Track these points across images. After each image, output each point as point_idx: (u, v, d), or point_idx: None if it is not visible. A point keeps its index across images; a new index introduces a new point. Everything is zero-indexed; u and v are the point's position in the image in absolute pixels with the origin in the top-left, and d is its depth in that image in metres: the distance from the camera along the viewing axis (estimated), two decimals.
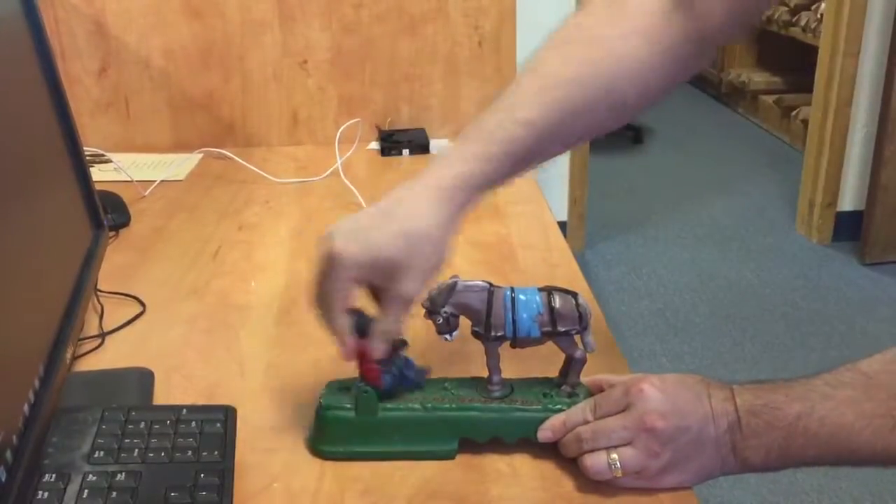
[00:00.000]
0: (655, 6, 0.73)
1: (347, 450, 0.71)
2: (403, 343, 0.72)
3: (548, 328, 0.70)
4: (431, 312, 0.70)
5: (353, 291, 0.69)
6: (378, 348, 0.69)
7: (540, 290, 0.71)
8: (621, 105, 0.74)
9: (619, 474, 0.65)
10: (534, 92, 0.72)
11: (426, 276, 0.69)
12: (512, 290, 0.71)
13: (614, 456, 0.65)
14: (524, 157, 0.72)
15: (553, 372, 0.75)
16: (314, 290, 0.71)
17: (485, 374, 0.73)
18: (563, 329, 0.70)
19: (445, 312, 0.70)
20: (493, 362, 0.72)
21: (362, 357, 0.70)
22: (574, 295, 0.71)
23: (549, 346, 0.72)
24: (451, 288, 0.69)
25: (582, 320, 0.70)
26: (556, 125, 0.71)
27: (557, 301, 0.70)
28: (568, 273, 1.05)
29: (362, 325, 0.70)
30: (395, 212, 0.69)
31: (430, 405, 0.71)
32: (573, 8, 2.82)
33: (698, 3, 0.72)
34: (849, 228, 3.13)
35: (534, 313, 0.70)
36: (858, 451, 0.61)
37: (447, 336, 0.70)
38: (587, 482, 0.68)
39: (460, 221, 0.71)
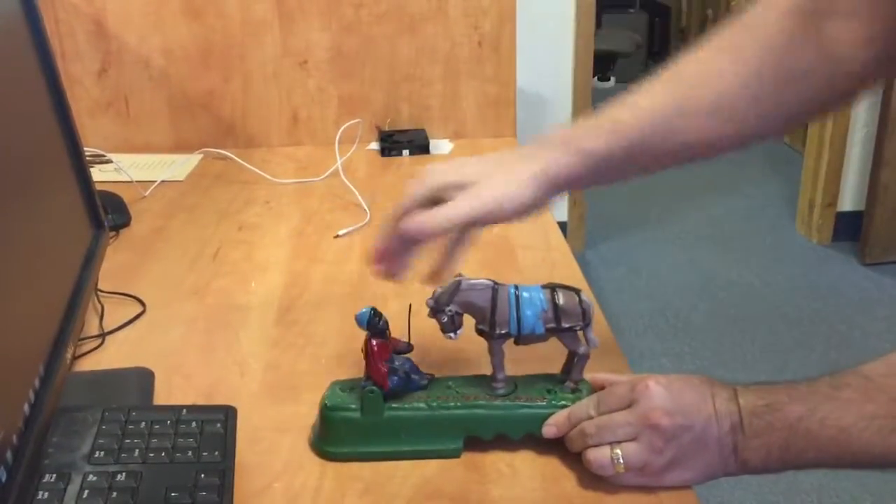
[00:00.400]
0: (779, 25, 0.69)
1: (353, 450, 0.71)
2: (409, 347, 0.72)
3: (552, 325, 0.70)
4: (436, 311, 0.70)
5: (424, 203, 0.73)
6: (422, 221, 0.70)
7: (543, 287, 0.71)
8: (734, 118, 0.71)
9: (622, 469, 0.65)
10: (650, 84, 0.73)
11: (500, 196, 0.70)
12: (516, 287, 0.71)
13: (618, 451, 0.65)
14: (633, 147, 0.71)
15: (555, 369, 0.75)
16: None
17: (488, 372, 0.73)
18: (567, 325, 0.71)
19: (450, 311, 0.70)
20: (497, 360, 0.72)
21: (370, 357, 0.70)
22: (577, 291, 0.71)
23: (550, 343, 0.72)
24: (456, 286, 0.70)
25: (585, 316, 0.71)
26: (664, 118, 0.70)
27: (561, 298, 0.70)
28: (568, 273, 1.05)
29: (377, 324, 0.70)
30: (500, 164, 0.72)
31: (435, 404, 0.71)
32: (573, 8, 2.82)
33: (827, 28, 0.67)
34: (849, 228, 3.13)
35: (538, 310, 0.70)
36: (858, 453, 0.61)
37: (452, 334, 0.71)
38: (588, 482, 0.68)
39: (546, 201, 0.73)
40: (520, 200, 0.70)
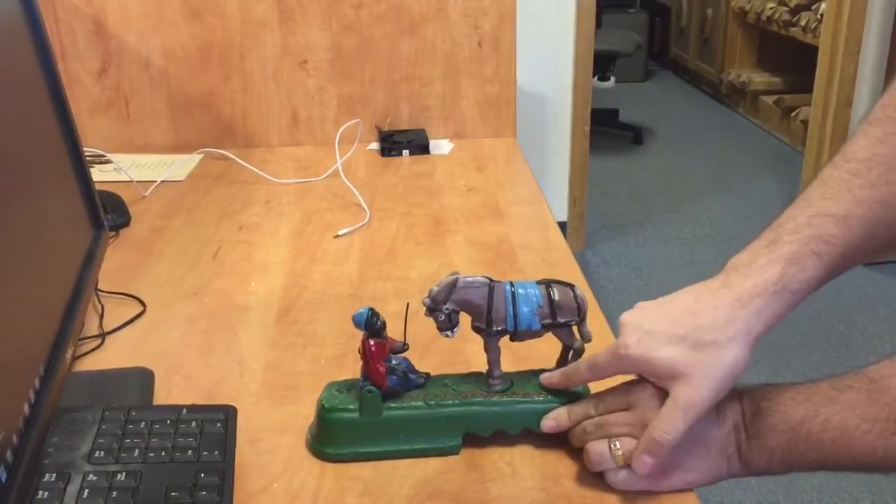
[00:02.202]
0: None
1: (352, 451, 0.71)
2: (405, 346, 0.72)
3: (548, 320, 0.71)
4: (433, 310, 0.70)
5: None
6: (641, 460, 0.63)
7: (538, 283, 0.72)
8: None
9: (621, 461, 0.65)
10: (841, 179, 0.65)
11: (707, 400, 0.62)
12: (511, 284, 0.71)
13: (616, 443, 0.66)
14: (841, 257, 0.63)
15: (549, 364, 0.76)
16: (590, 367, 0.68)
17: (484, 369, 0.73)
18: (563, 320, 0.71)
19: (447, 309, 0.70)
20: (493, 356, 0.72)
21: (368, 358, 0.70)
22: (571, 286, 0.72)
23: (545, 338, 0.72)
24: (452, 285, 0.70)
25: (580, 311, 0.71)
26: (870, 217, 0.63)
27: (556, 293, 0.71)
28: (568, 273, 1.05)
29: (374, 324, 0.70)
30: (703, 344, 0.63)
31: (433, 402, 0.71)
32: (573, 8, 2.82)
33: None
34: None
35: (534, 306, 0.70)
36: (861, 456, 0.61)
37: (448, 333, 0.70)
38: (587, 481, 0.68)
39: (767, 330, 0.65)
40: (729, 387, 0.63)
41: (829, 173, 0.66)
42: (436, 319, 0.70)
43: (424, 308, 0.71)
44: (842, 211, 0.63)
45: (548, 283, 0.72)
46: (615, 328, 0.91)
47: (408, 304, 0.72)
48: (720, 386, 0.62)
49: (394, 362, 0.71)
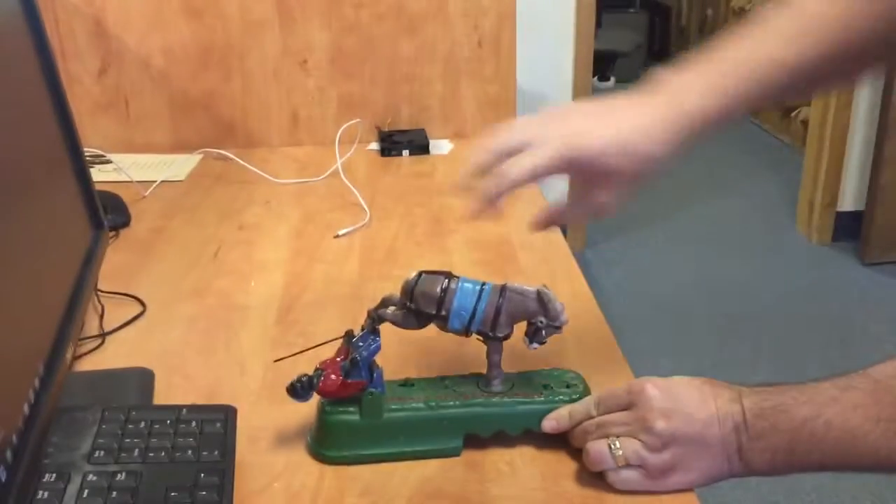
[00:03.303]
0: None
1: (352, 453, 0.71)
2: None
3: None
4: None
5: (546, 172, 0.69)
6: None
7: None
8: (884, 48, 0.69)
9: (621, 461, 0.65)
10: (792, 31, 0.69)
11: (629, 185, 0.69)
12: (468, 281, 0.72)
13: (616, 442, 0.66)
14: (766, 96, 0.70)
15: (548, 364, 0.76)
16: (505, 144, 0.69)
17: (482, 370, 0.74)
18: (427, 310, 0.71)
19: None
20: (495, 358, 0.72)
21: (338, 392, 0.69)
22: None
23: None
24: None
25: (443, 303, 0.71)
26: (810, 68, 0.68)
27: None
28: (568, 273, 1.05)
29: (304, 390, 0.69)
30: (626, 127, 0.68)
31: (433, 403, 0.71)
32: (573, 8, 2.82)
33: None
34: (849, 228, 3.13)
35: (471, 302, 0.70)
36: (864, 456, 0.61)
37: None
38: (587, 481, 0.68)
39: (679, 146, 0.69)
40: (661, 163, 0.68)
41: (778, 22, 0.70)
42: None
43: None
44: (788, 57, 0.68)
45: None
46: (614, 328, 0.91)
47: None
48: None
49: (348, 364, 0.69)
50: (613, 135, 0.68)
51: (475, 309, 0.70)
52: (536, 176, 0.68)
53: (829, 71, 0.70)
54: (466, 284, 0.71)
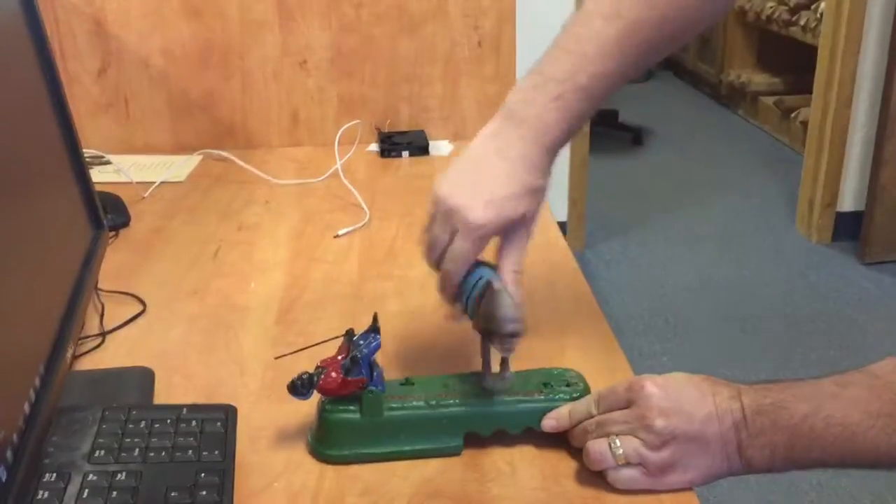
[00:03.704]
0: None
1: (353, 452, 0.71)
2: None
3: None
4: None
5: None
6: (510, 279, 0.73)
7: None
8: (676, 38, 0.76)
9: (621, 460, 0.65)
10: (609, 42, 0.73)
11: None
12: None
13: (616, 441, 0.66)
14: (599, 104, 0.76)
15: (548, 364, 0.76)
16: (438, 250, 0.74)
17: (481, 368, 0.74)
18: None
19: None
20: (489, 357, 0.72)
21: (338, 390, 0.69)
22: (501, 292, 0.70)
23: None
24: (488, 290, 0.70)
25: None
26: (628, 70, 0.74)
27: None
28: (568, 273, 1.05)
29: (305, 388, 0.69)
30: (515, 169, 0.74)
31: (434, 402, 0.71)
32: (573, 8, 2.82)
33: None
34: (849, 228, 3.13)
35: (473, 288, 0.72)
36: (863, 452, 0.61)
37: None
38: (587, 481, 0.68)
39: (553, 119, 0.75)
40: (534, 189, 0.74)
41: (589, 25, 0.75)
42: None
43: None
44: (607, 68, 0.74)
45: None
46: (614, 328, 0.91)
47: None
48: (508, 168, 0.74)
49: (349, 363, 0.69)
50: (494, 209, 0.73)
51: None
52: (469, 263, 0.74)
53: (651, 60, 0.76)
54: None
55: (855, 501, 1.90)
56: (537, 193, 0.75)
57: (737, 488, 1.93)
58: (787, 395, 0.64)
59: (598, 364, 0.83)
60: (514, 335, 0.68)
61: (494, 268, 0.74)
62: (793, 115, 4.02)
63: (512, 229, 0.74)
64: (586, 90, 0.74)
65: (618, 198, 3.60)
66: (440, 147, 1.55)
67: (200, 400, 0.80)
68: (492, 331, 0.69)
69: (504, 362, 0.72)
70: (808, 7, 3.83)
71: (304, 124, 1.57)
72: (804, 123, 3.54)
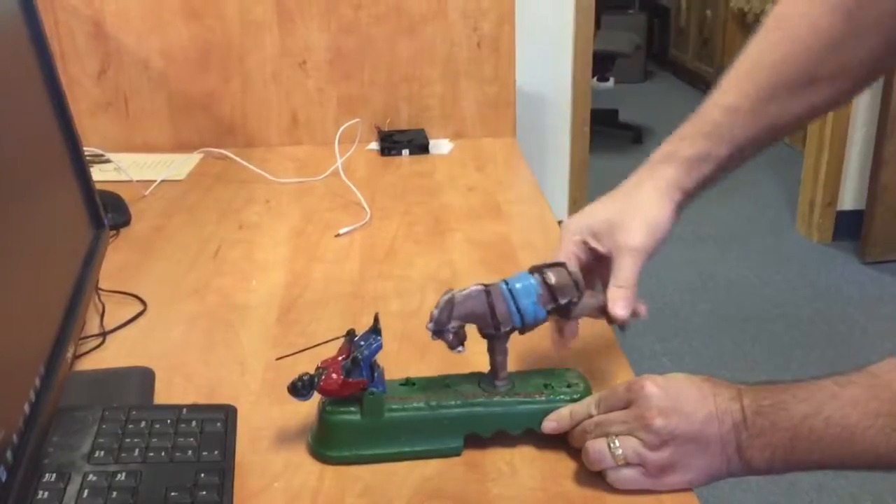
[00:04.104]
0: None
1: (353, 453, 0.70)
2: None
3: (551, 305, 0.71)
4: (439, 332, 0.70)
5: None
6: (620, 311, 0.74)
7: (530, 272, 0.72)
8: (818, 85, 0.75)
9: (621, 460, 0.65)
10: (735, 78, 0.77)
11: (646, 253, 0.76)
12: (506, 282, 0.71)
13: (615, 441, 0.66)
14: (734, 143, 0.76)
15: (548, 364, 0.76)
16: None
17: (484, 369, 0.73)
18: (565, 301, 0.71)
19: (452, 328, 0.70)
20: (500, 358, 0.72)
21: (339, 391, 0.69)
22: (563, 265, 0.72)
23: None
24: (450, 302, 0.69)
25: (579, 286, 0.72)
26: (758, 109, 0.75)
27: (552, 277, 0.71)
28: None
29: (306, 389, 0.69)
30: (632, 206, 0.77)
31: (434, 403, 0.71)
32: (573, 9, 2.82)
33: None
34: (849, 228, 3.13)
35: (534, 297, 0.70)
36: (862, 453, 0.61)
37: (460, 348, 0.71)
38: (587, 481, 0.68)
39: (681, 210, 0.78)
40: (663, 230, 0.76)
41: (730, 72, 0.79)
42: (445, 340, 0.70)
43: (430, 333, 0.70)
44: (734, 102, 0.76)
45: (540, 270, 0.72)
46: (615, 328, 0.91)
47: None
48: (644, 219, 0.75)
49: (349, 364, 0.69)
50: (640, 221, 0.76)
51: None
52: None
53: (788, 108, 0.77)
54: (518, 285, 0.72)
55: (855, 502, 1.90)
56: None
57: (737, 489, 1.93)
58: (787, 396, 0.64)
59: (598, 364, 0.83)
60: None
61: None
62: None
63: None
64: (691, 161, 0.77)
65: None
66: (440, 146, 1.55)
67: (200, 400, 0.80)
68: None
69: (502, 364, 0.72)
70: None
71: (304, 124, 1.57)
72: None
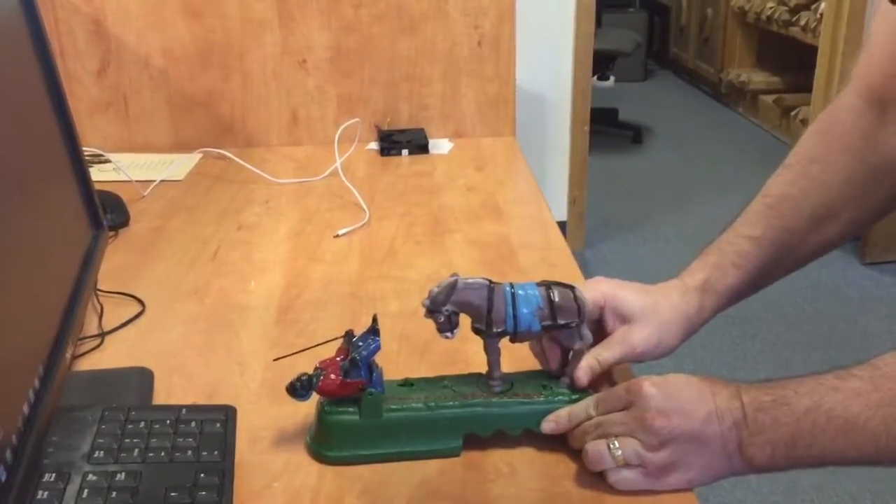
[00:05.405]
0: (859, 125, 0.80)
1: (352, 454, 0.70)
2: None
3: (548, 322, 0.71)
4: (433, 311, 0.70)
5: None
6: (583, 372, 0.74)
7: (538, 284, 0.72)
8: (837, 221, 0.81)
9: (621, 461, 0.65)
10: (758, 210, 0.84)
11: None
12: (511, 285, 0.71)
13: (615, 442, 0.66)
14: (757, 270, 0.81)
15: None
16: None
17: (482, 370, 0.73)
18: (563, 322, 0.71)
19: (447, 311, 0.70)
20: (493, 358, 0.72)
21: (338, 391, 0.69)
22: (572, 288, 0.72)
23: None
24: (452, 286, 0.69)
25: (580, 312, 0.71)
26: (779, 240, 0.81)
27: (557, 295, 0.71)
28: (567, 273, 1.05)
29: (305, 389, 0.69)
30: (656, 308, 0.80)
31: (433, 404, 0.71)
32: (573, 7, 2.82)
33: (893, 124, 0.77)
34: None
35: (533, 307, 0.70)
36: (863, 444, 0.61)
37: (448, 334, 0.70)
38: (587, 481, 0.68)
39: (701, 320, 0.82)
40: (667, 349, 0.79)
41: (751, 205, 0.87)
42: (436, 321, 0.70)
43: (424, 309, 0.70)
44: (757, 233, 0.82)
45: (548, 285, 0.72)
46: None
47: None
48: (658, 329, 0.78)
49: (348, 364, 0.69)
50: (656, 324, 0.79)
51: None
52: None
53: (807, 240, 0.83)
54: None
55: (855, 501, 1.90)
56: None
57: (737, 488, 1.93)
58: (789, 392, 0.64)
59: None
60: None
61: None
62: (793, 113, 4.02)
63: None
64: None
65: (617, 197, 3.60)
66: (440, 145, 1.55)
67: (200, 400, 0.80)
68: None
69: (494, 364, 0.72)
70: (807, 7, 3.82)
71: (304, 123, 1.57)
72: (804, 122, 3.54)
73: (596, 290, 0.78)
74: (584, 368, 0.74)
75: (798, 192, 0.82)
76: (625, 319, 0.77)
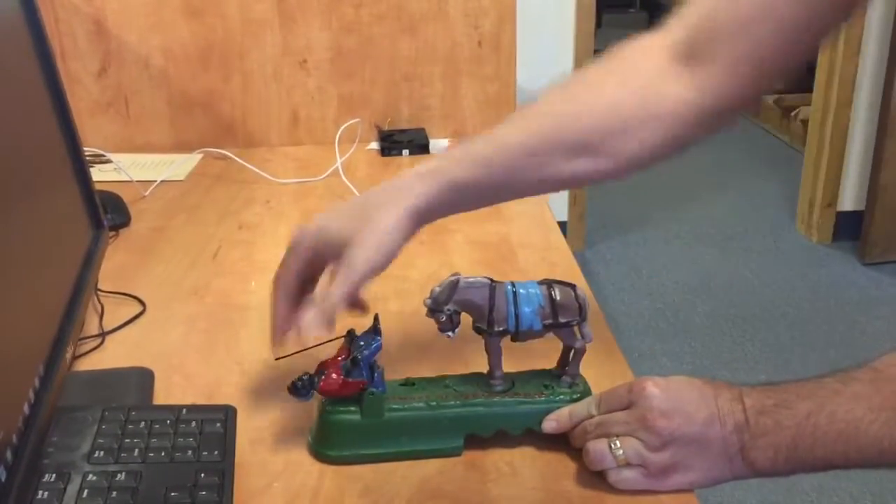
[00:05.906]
0: (653, 65, 0.75)
1: (353, 453, 0.70)
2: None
3: (549, 320, 0.71)
4: (434, 311, 0.70)
5: (304, 269, 0.74)
6: (317, 319, 0.69)
7: (540, 283, 0.72)
8: (593, 155, 0.73)
9: (622, 460, 0.65)
10: (520, 116, 0.75)
11: (372, 258, 0.70)
12: (513, 284, 0.71)
13: (616, 441, 0.66)
14: (500, 179, 0.73)
15: (550, 364, 0.75)
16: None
17: (483, 369, 0.73)
18: (565, 320, 0.71)
19: (448, 310, 0.70)
20: (495, 357, 0.72)
21: (340, 391, 0.69)
22: (572, 287, 0.72)
23: (546, 338, 0.72)
24: (454, 285, 0.70)
25: (581, 311, 0.71)
26: (528, 154, 0.72)
27: (558, 293, 0.71)
28: (567, 273, 1.05)
29: (306, 389, 0.69)
30: (368, 213, 0.72)
31: (434, 403, 0.71)
32: (573, 7, 2.82)
33: (697, 73, 0.72)
34: (849, 228, 3.13)
35: (535, 306, 0.70)
36: (866, 447, 0.61)
37: (450, 333, 0.70)
38: (588, 481, 0.68)
39: (415, 232, 0.73)
40: (392, 248, 0.71)
41: (517, 112, 0.76)
42: (437, 320, 0.70)
43: (426, 309, 0.70)
44: (506, 138, 0.73)
45: (549, 284, 0.72)
46: (614, 328, 0.91)
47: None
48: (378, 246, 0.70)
49: (350, 364, 0.69)
50: (380, 245, 0.70)
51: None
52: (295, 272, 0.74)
53: (552, 161, 0.74)
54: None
55: (855, 502, 1.90)
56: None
57: (738, 489, 1.93)
58: (790, 395, 0.64)
59: (597, 364, 0.82)
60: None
61: None
62: (793, 113, 4.02)
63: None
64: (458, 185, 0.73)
65: (618, 197, 3.60)
66: (441, 145, 1.55)
67: (200, 400, 0.80)
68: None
69: (495, 364, 0.72)
70: None
71: (304, 123, 1.57)
72: (804, 122, 3.54)
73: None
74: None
75: (569, 111, 0.74)
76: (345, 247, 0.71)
